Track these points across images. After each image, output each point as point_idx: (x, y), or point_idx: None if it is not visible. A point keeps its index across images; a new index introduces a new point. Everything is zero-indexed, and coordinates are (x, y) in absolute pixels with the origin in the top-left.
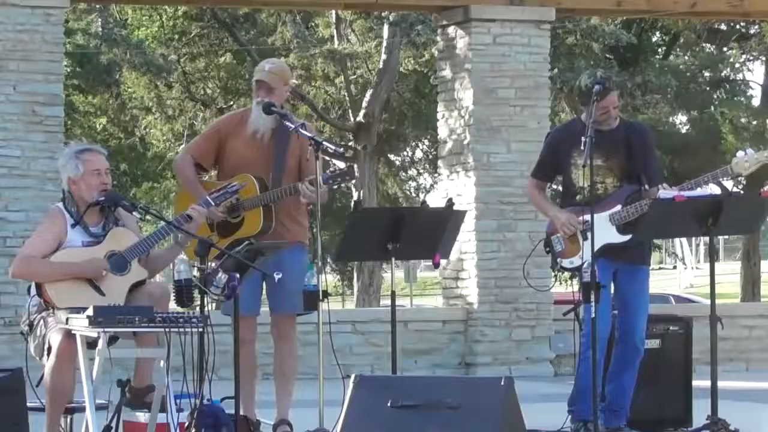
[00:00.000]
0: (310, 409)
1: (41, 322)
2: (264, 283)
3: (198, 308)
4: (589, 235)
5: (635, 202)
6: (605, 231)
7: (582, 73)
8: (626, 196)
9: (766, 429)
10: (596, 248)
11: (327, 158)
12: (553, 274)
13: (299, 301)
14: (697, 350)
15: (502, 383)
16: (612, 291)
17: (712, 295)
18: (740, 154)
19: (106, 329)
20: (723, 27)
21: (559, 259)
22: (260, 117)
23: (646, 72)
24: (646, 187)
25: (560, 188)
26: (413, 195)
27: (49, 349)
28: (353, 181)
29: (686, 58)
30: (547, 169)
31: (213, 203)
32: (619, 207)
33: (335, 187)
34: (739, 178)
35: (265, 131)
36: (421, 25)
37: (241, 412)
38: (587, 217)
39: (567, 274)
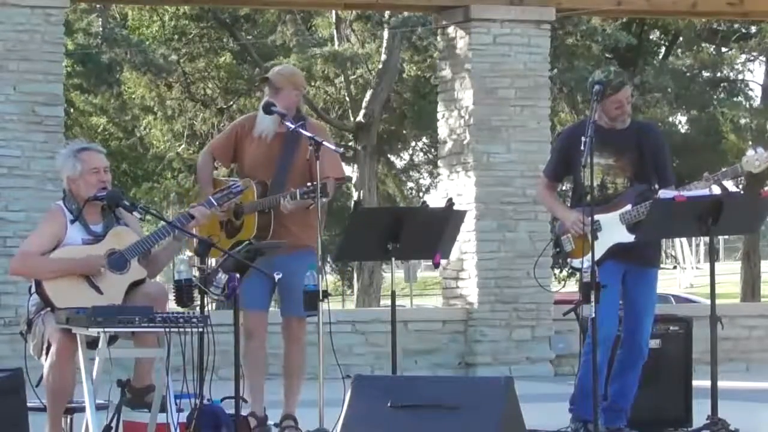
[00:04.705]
0: (310, 409)
1: (40, 320)
2: (276, 285)
3: (198, 308)
4: (598, 234)
5: (645, 202)
6: (615, 230)
7: (591, 72)
8: (636, 195)
9: (766, 429)
10: (606, 247)
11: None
12: (553, 273)
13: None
14: (697, 350)
15: (502, 383)
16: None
17: (712, 295)
18: (750, 152)
19: (106, 329)
20: (723, 27)
21: (569, 260)
22: (264, 119)
23: (646, 73)
24: (657, 186)
25: (565, 188)
26: (412, 195)
27: (48, 347)
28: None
29: (686, 58)
30: (559, 169)
31: (215, 203)
32: (629, 206)
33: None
34: (739, 179)
35: (269, 133)
36: (422, 28)
37: (250, 407)
38: (596, 217)
39: (564, 274)
